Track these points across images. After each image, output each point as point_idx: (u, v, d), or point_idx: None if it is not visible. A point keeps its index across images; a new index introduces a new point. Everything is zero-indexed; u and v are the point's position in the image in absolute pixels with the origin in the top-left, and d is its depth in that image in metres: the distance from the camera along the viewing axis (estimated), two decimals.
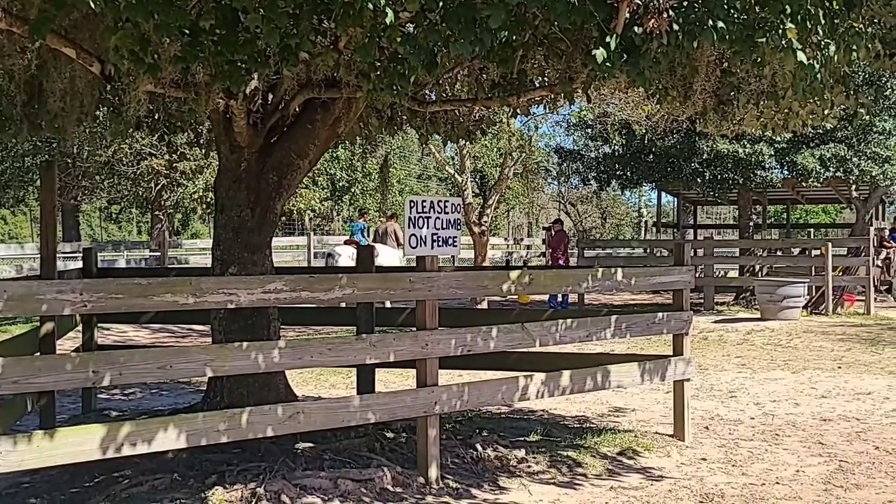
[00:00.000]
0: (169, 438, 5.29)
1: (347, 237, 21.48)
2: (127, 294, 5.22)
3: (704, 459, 7.55)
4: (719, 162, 21.18)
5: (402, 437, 7.24)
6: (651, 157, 22.57)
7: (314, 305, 7.64)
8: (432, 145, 17.57)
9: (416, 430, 6.62)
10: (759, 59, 5.74)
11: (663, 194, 30.49)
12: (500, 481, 6.69)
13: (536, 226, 44.55)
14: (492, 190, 21.50)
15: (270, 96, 7.09)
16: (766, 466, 7.35)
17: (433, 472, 6.40)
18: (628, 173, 23.48)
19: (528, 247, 35.35)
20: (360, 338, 6.49)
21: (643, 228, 47.04)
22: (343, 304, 8.18)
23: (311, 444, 6.63)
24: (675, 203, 32.10)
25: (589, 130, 23.89)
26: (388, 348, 6.27)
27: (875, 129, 20.60)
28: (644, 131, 20.49)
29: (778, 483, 6.87)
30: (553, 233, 21.81)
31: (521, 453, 7.22)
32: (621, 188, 27.28)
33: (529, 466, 7.06)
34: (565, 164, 26.32)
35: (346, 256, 18.39)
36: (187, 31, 4.94)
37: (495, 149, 23.56)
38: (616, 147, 23.31)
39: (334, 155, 34.81)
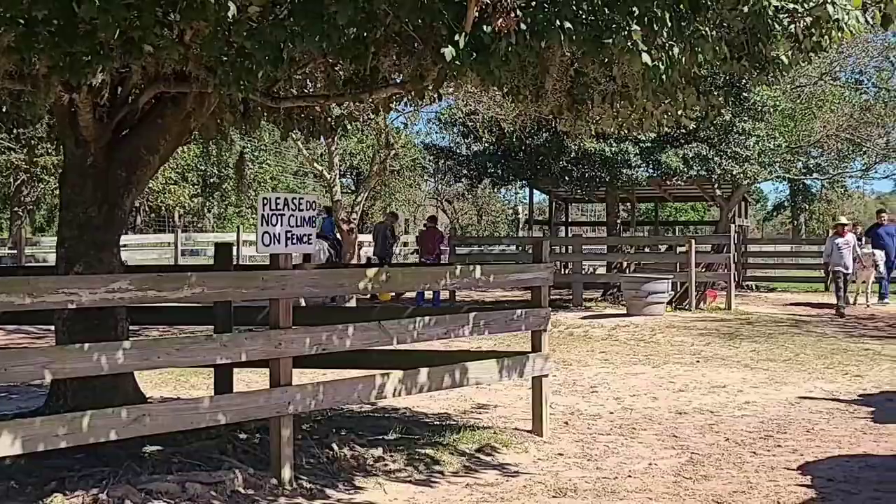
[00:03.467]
0: (3, 444, 5.07)
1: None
2: None
3: (561, 454, 7.65)
4: (587, 160, 21.52)
5: (256, 438, 7.12)
6: (521, 154, 22.79)
7: (189, 304, 7.51)
8: (300, 142, 17.40)
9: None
10: (606, 60, 5.84)
11: (536, 192, 30.86)
12: (355, 481, 6.65)
13: (415, 223, 44.65)
14: (361, 186, 21.45)
15: (120, 90, 6.90)
16: (620, 460, 7.48)
17: (286, 473, 6.31)
18: (499, 171, 23.68)
19: (405, 244, 35.38)
20: (210, 337, 6.36)
21: (518, 225, 47.61)
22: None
23: (159, 448, 6.47)
24: (549, 200, 32.53)
25: (461, 128, 24.03)
26: (240, 348, 6.16)
27: (735, 130, 21.25)
28: (513, 129, 20.69)
29: (630, 476, 7.00)
30: (426, 230, 21.91)
31: (378, 452, 7.18)
32: (493, 186, 27.52)
33: (386, 465, 7.03)
34: (441, 162, 26.43)
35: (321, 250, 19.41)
36: (22, 21, 4.75)
37: (369, 146, 23.53)
38: (487, 145, 23.49)
39: (205, 150, 34.18)
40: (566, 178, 22.45)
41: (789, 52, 6.66)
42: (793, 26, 6.11)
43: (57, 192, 29.46)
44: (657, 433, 8.43)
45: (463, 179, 25.47)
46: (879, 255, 20.26)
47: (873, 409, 9.39)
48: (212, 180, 40.48)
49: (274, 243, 6.45)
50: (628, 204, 30.95)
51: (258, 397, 6.35)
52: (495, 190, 38.82)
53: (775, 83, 17.89)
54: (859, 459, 7.46)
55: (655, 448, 7.89)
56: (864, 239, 21.19)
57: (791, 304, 21.38)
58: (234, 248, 25.01)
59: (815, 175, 30.20)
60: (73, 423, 5.36)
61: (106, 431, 5.47)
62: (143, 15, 4.88)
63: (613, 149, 20.99)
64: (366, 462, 7.02)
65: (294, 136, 11.95)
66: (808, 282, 25.45)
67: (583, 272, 22.49)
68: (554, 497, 6.49)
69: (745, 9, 5.84)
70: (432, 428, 8.31)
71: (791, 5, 6.01)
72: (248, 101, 7.13)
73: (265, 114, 7.93)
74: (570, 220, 33.71)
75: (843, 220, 20.77)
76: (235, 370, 8.12)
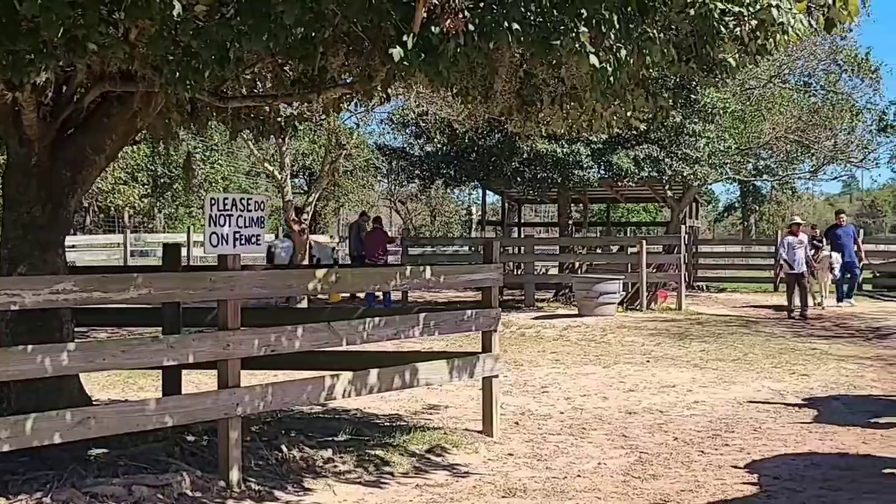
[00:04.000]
0: None
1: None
2: None
3: (511, 455, 7.66)
4: (539, 161, 21.59)
5: (204, 440, 7.05)
6: (474, 155, 22.84)
7: (138, 306, 7.45)
8: (250, 142, 17.30)
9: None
10: (554, 62, 5.85)
11: (489, 192, 30.92)
12: (304, 482, 6.62)
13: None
14: (312, 187, 21.37)
15: (65, 88, 6.81)
16: (569, 460, 7.52)
17: (235, 475, 6.26)
18: (452, 172, 23.71)
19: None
20: (156, 338, 6.31)
21: (471, 226, 47.65)
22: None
23: (105, 450, 6.38)
24: (501, 201, 32.64)
25: (414, 129, 24.03)
26: (188, 349, 6.12)
27: (686, 132, 21.42)
28: (465, 130, 20.71)
29: (579, 476, 7.03)
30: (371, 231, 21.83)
31: (328, 453, 7.15)
32: (446, 186, 27.55)
33: (336, 466, 7.01)
34: (394, 163, 26.39)
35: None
36: None
37: (321, 146, 23.44)
38: (439, 146, 23.50)
39: (155, 150, 33.82)
40: (518, 178, 22.53)
41: (736, 55, 6.73)
42: (738, 29, 6.17)
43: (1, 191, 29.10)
44: (607, 433, 8.48)
45: (416, 180, 25.46)
46: (836, 257, 20.32)
47: (819, 408, 9.52)
48: (162, 180, 40.01)
49: (222, 244, 6.42)
50: (580, 205, 31.12)
51: (206, 399, 6.31)
52: (448, 191, 38.86)
53: (724, 85, 18.05)
54: (805, 458, 7.55)
55: (605, 448, 7.94)
56: (824, 240, 21.26)
57: (741, 305, 21.58)
58: (185, 249, 24.86)
59: (764, 176, 30.57)
60: (16, 425, 5.29)
61: (50, 434, 5.40)
62: (87, 13, 4.83)
63: (565, 150, 21.08)
64: (315, 463, 6.99)
65: (244, 136, 11.88)
66: (757, 282, 25.73)
67: (535, 273, 22.57)
68: (503, 497, 6.50)
69: (692, 11, 5.89)
70: (383, 429, 8.29)
71: (736, 8, 6.07)
72: (195, 100, 7.07)
73: (213, 113, 7.87)
74: (522, 220, 33.82)
75: (798, 219, 20.84)
76: (188, 372, 8.06)
